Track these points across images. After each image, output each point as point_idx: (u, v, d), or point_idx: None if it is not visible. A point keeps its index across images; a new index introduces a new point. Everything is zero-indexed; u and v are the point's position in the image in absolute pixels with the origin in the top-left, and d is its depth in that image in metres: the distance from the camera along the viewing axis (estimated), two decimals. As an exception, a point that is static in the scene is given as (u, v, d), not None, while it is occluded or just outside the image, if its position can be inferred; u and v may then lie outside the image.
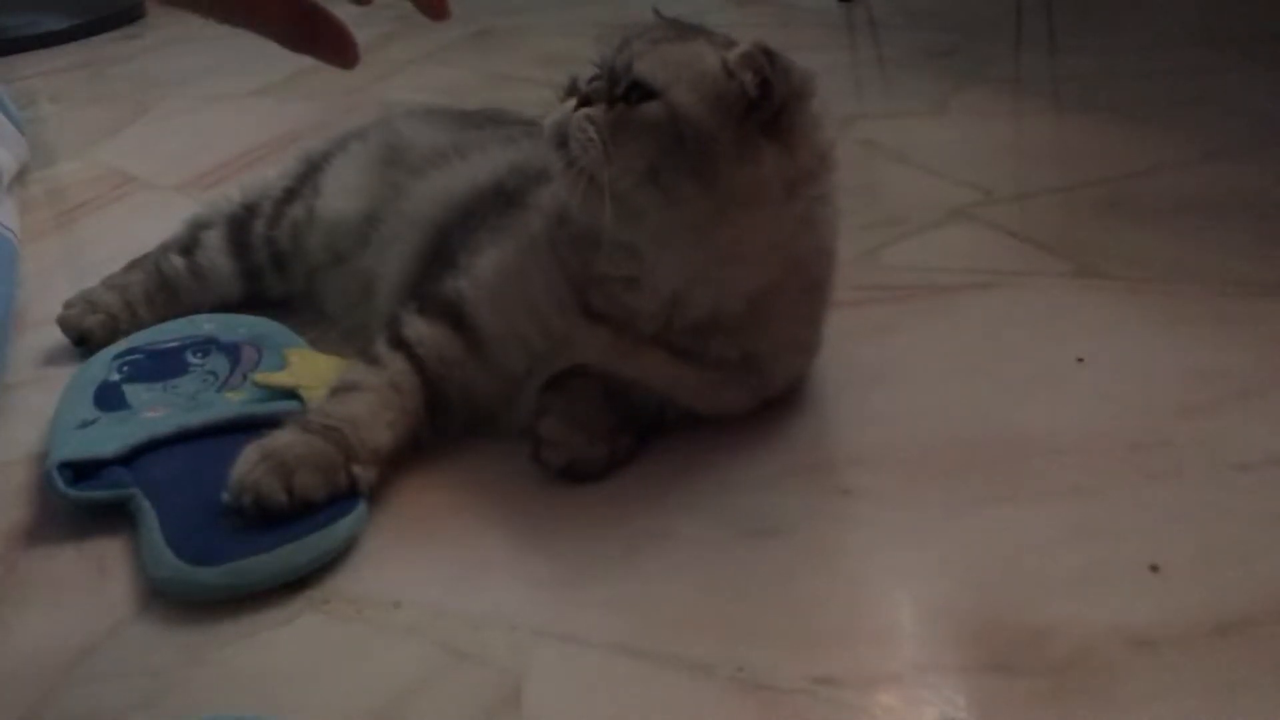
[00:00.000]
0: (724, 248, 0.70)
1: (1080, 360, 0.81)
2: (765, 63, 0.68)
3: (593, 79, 0.71)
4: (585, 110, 0.70)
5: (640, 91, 0.69)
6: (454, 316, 0.76)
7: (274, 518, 0.66)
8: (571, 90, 0.72)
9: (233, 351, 0.86)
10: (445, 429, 0.76)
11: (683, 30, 0.73)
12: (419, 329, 0.76)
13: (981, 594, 0.61)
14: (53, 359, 0.93)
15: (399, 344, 0.75)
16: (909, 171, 1.20)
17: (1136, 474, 0.69)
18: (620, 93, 0.69)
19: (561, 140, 0.70)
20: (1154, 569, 0.61)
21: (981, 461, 0.72)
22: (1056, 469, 0.70)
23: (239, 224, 0.97)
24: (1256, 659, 0.55)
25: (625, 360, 0.73)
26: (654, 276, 0.71)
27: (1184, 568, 0.61)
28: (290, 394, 0.77)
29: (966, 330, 0.87)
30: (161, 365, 0.85)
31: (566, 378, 0.74)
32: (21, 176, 1.38)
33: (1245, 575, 0.60)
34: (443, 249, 0.80)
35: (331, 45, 0.55)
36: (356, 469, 0.69)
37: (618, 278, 0.72)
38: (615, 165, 0.68)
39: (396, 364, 0.74)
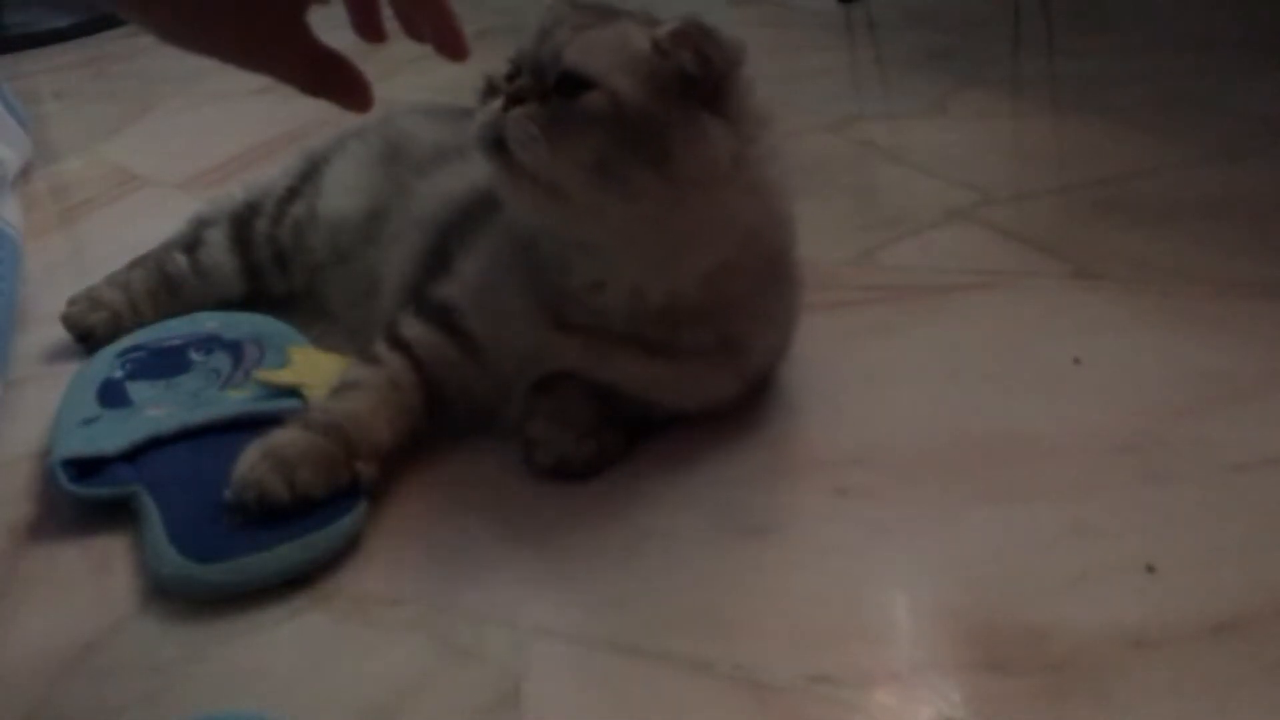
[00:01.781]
0: (682, 231, 0.69)
1: (1077, 361, 0.81)
2: (701, 38, 0.66)
3: (510, 75, 0.69)
4: (520, 109, 0.67)
5: (573, 82, 0.66)
6: (447, 321, 0.76)
7: (276, 515, 0.66)
8: (490, 90, 0.70)
9: (235, 349, 0.86)
10: (445, 424, 0.76)
11: (600, 13, 0.71)
12: (416, 330, 0.76)
13: (978, 593, 0.61)
14: (56, 356, 0.94)
15: (398, 344, 0.76)
16: (907, 172, 1.20)
17: (1133, 474, 0.69)
18: (551, 86, 0.67)
19: (494, 144, 0.67)
20: (1150, 569, 0.61)
21: (978, 461, 0.72)
22: (1053, 469, 0.70)
23: (242, 222, 0.98)
24: (1252, 659, 0.55)
25: (601, 365, 0.73)
26: (617, 272, 0.70)
27: (1180, 568, 0.61)
28: (292, 392, 0.78)
29: (964, 331, 0.87)
30: (164, 363, 0.85)
31: (553, 379, 0.74)
32: (25, 173, 1.39)
33: (1241, 576, 0.60)
34: (441, 250, 0.80)
35: (346, 90, 0.56)
36: (358, 466, 0.70)
37: (585, 285, 0.71)
38: (561, 163, 0.66)
39: (396, 363, 0.75)
